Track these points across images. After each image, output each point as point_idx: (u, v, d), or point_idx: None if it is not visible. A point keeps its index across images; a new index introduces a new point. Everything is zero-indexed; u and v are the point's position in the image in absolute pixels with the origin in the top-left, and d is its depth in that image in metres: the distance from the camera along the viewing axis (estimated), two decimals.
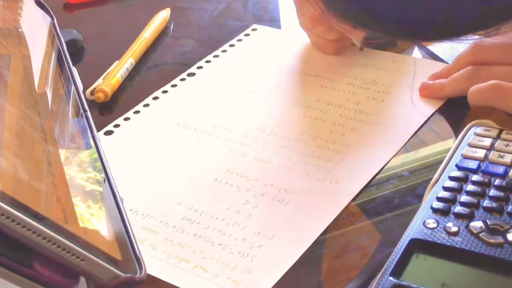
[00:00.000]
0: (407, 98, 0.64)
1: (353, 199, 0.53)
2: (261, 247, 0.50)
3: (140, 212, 0.54)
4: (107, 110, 0.68)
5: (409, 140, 0.59)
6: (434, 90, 0.64)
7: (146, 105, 0.67)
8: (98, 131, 0.55)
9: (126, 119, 0.66)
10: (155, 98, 0.68)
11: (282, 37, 0.77)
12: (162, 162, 0.60)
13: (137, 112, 0.66)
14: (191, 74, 0.72)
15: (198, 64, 0.73)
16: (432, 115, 0.62)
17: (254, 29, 0.78)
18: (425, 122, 0.61)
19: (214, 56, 0.74)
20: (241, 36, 0.77)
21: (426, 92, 0.64)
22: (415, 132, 0.60)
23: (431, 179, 0.49)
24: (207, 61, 0.73)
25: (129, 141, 0.63)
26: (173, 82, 0.70)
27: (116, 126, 0.65)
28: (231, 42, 0.76)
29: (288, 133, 0.61)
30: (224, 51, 0.75)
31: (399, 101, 0.64)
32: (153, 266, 0.48)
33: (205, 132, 0.62)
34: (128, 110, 0.66)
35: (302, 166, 0.57)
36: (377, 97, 0.65)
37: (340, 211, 0.52)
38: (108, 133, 0.64)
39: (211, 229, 0.52)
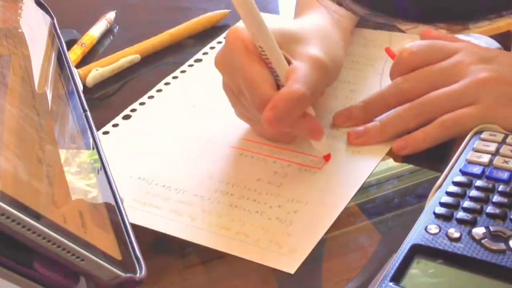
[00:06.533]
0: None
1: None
2: (297, 212, 0.51)
3: (173, 187, 0.55)
4: (108, 104, 0.68)
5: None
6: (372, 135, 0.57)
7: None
8: (99, 125, 0.55)
9: (141, 104, 0.66)
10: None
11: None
12: (185, 141, 0.60)
13: (151, 97, 0.67)
14: (198, 60, 0.73)
15: (203, 50, 0.74)
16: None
17: None
18: None
19: (218, 42, 0.75)
20: None
21: (362, 139, 0.57)
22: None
23: (431, 179, 0.49)
24: (211, 47, 0.75)
25: (146, 124, 0.63)
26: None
27: (133, 110, 0.65)
28: None
29: None
30: None
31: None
32: (195, 235, 0.50)
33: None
34: (129, 106, 0.66)
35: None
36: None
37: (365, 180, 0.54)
38: (127, 117, 0.65)
39: (246, 198, 0.53)
